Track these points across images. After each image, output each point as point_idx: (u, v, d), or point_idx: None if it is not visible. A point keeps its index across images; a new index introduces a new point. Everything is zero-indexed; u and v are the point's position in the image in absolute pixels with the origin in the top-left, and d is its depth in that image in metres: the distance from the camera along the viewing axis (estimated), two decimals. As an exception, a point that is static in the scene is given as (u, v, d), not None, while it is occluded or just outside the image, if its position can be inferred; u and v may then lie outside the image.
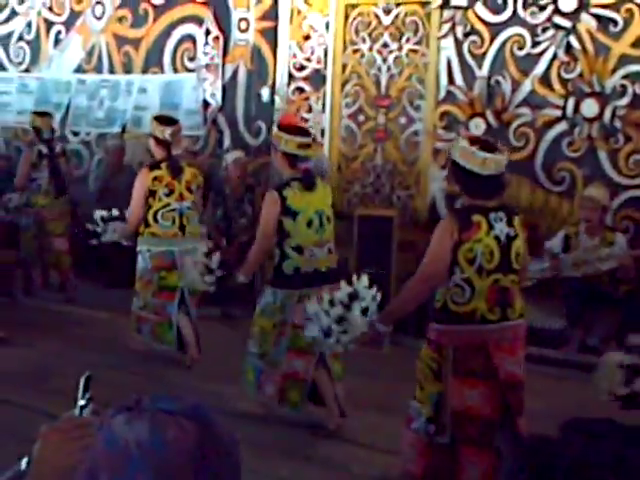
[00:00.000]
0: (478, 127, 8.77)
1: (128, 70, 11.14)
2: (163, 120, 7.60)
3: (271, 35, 9.98)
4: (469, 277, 4.73)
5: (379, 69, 9.34)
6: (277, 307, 6.13)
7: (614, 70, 8.22)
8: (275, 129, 6.85)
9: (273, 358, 6.17)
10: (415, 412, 4.95)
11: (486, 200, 4.81)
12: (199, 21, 10.48)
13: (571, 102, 8.36)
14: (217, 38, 10.33)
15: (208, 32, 10.39)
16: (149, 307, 7.60)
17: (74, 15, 11.54)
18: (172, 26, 10.75)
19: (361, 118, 9.47)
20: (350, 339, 5.24)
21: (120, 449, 1.40)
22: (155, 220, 7.44)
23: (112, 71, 11.28)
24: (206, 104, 10.44)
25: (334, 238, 6.26)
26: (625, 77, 8.18)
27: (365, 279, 5.24)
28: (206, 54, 10.41)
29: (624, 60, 8.18)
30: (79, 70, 11.54)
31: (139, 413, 1.42)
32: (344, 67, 9.53)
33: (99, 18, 11.31)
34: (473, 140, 4.93)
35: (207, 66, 10.40)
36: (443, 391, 4.84)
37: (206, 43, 10.41)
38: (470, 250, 4.72)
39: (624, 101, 8.15)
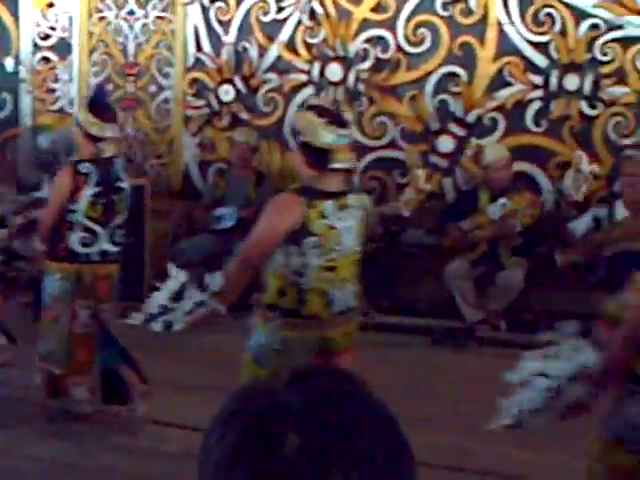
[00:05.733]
0: (227, 93, 8.77)
1: None
2: None
3: (13, 3, 9.59)
4: None
5: (126, 37, 9.17)
6: None
7: (356, 34, 8.41)
8: None
9: None
10: None
11: None
12: None
13: (316, 67, 8.50)
14: (-46, 7, 9.84)
15: (-56, 1, 9.88)
16: None
17: None
18: None
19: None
20: None
21: None
22: None
23: None
24: (-54, 76, 9.92)
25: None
26: (367, 41, 8.39)
27: None
28: (-57, 24, 9.89)
29: (365, 24, 8.38)
30: None
31: None
32: (90, 35, 9.29)
33: None
34: None
35: (-55, 37, 9.89)
36: None
37: (-58, 12, 9.89)
38: None
39: (366, 65, 8.36)
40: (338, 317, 4.25)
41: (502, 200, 7.62)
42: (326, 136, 4.04)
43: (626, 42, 7.77)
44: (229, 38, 8.79)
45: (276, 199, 4.23)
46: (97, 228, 5.62)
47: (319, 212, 4.05)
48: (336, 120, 4.17)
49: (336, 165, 4.10)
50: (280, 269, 4.11)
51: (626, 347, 3.44)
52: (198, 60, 8.93)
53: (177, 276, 4.17)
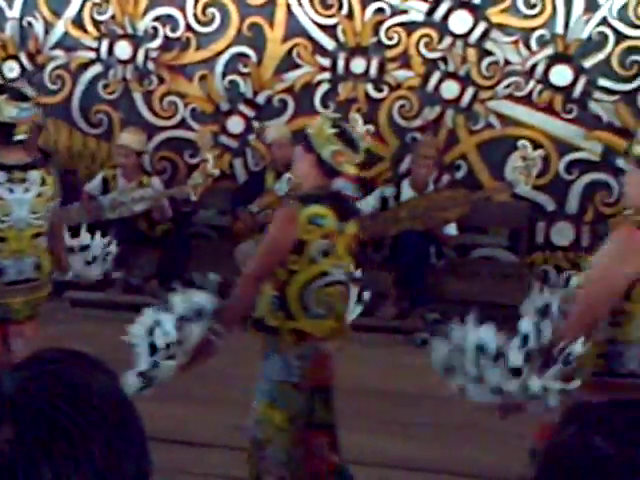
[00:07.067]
0: (12, 70, 8.48)
1: None
2: None
3: None
4: None
5: None
6: None
7: (145, 12, 8.28)
8: None
9: None
10: None
11: None
12: None
13: (105, 44, 8.32)
14: None
15: None
16: None
17: None
18: None
19: None
20: None
21: None
22: None
23: None
24: None
25: None
26: (156, 19, 8.27)
27: None
28: None
29: (154, 2, 8.26)
30: None
31: None
32: None
33: None
34: None
35: None
36: None
37: None
38: None
39: (156, 43, 8.25)
40: (13, 286, 4.47)
41: (288, 175, 7.65)
42: (10, 111, 4.34)
43: (410, 27, 7.96)
44: (13, 12, 8.48)
45: None
46: None
47: None
48: (18, 95, 4.53)
49: (18, 137, 4.40)
50: None
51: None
52: (-19, 35, 8.59)
53: None
